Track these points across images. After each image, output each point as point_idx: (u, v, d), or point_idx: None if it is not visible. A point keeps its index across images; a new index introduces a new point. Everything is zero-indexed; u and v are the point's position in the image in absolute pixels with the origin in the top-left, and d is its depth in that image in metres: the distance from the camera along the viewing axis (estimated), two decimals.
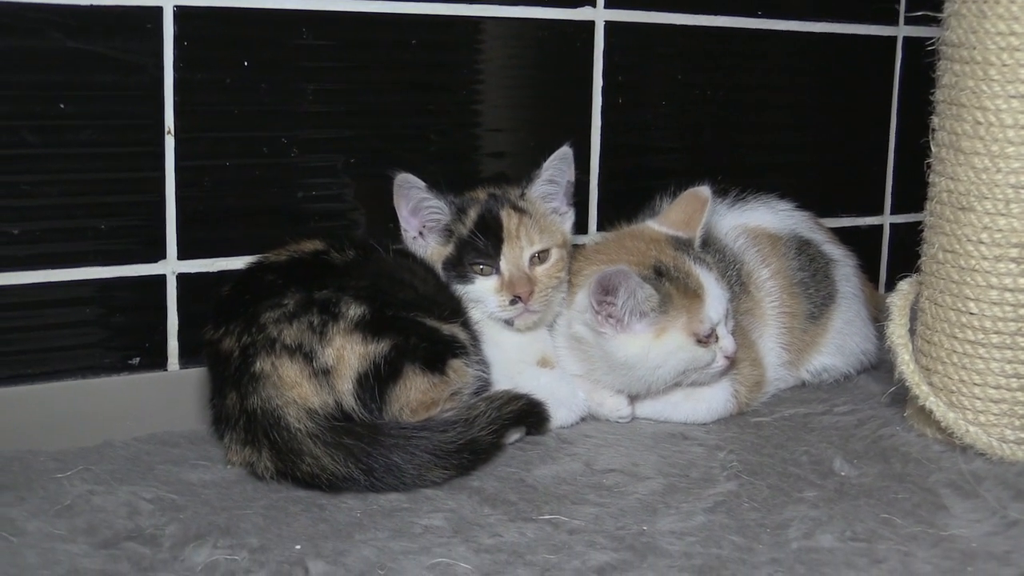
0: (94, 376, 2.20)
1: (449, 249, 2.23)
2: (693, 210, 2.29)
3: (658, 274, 2.16)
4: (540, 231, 2.24)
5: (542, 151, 2.38)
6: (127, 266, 2.19)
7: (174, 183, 2.20)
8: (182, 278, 2.23)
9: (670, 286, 2.14)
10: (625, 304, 2.10)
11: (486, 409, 2.04)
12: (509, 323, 2.23)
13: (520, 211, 2.24)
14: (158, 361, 2.24)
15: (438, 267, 2.23)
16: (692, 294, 2.15)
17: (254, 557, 1.72)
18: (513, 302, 2.20)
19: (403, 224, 2.24)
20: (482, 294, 2.21)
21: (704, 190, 2.30)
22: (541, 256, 2.23)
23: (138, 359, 2.23)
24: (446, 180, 2.26)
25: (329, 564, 1.70)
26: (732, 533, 1.82)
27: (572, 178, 2.31)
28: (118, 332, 2.21)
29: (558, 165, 2.28)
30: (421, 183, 2.20)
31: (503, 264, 2.20)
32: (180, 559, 1.71)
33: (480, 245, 2.20)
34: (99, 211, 2.16)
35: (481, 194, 2.29)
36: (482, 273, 2.21)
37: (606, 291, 2.10)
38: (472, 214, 2.23)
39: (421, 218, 2.24)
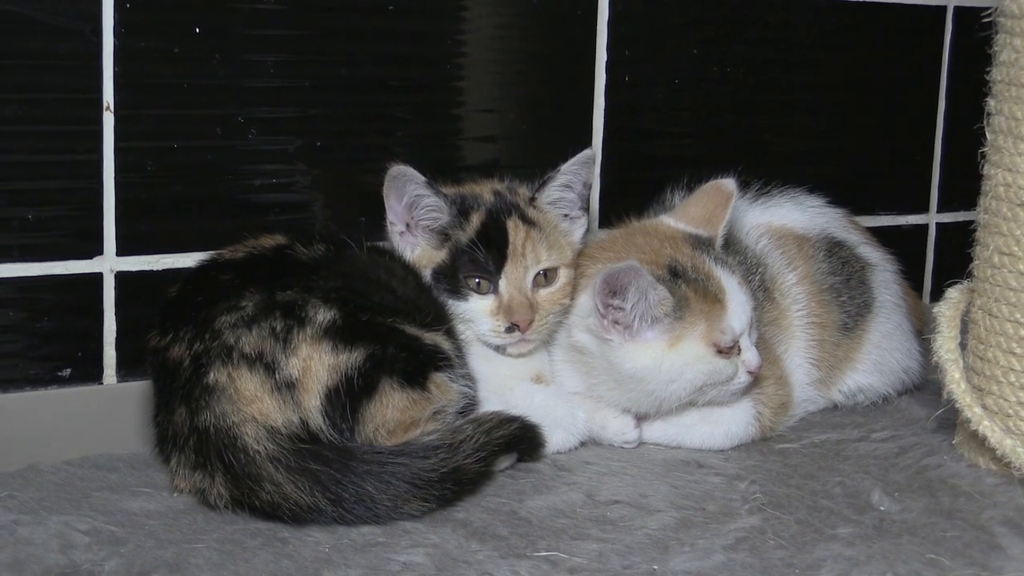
0: (17, 390, 2.23)
1: (442, 255, 2.26)
2: (716, 205, 2.33)
3: (674, 275, 2.20)
4: (549, 247, 2.27)
5: (536, 136, 2.42)
6: (57, 263, 2.23)
7: (113, 168, 2.23)
8: (121, 277, 2.27)
9: (687, 289, 2.18)
10: (635, 307, 2.14)
11: (473, 433, 2.08)
12: (500, 349, 2.28)
13: (529, 223, 2.27)
14: (93, 373, 2.28)
15: (426, 272, 2.26)
16: (712, 299, 2.19)
17: None
18: (509, 330, 2.24)
19: (390, 216, 2.27)
20: (475, 314, 2.25)
21: (729, 183, 2.34)
22: (548, 275, 2.27)
23: (69, 371, 2.26)
24: (426, 168, 2.28)
25: None
26: (756, 573, 1.86)
27: (591, 181, 2.34)
28: (46, 339, 2.24)
29: (577, 170, 2.31)
30: (420, 177, 2.23)
31: (503, 284, 2.24)
32: None
33: (480, 258, 2.23)
34: (25, 199, 2.19)
35: (485, 191, 2.32)
36: (478, 290, 2.24)
37: (613, 292, 2.14)
38: (475, 220, 2.26)
39: (414, 214, 2.26)
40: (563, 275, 2.28)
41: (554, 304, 2.27)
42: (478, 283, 2.24)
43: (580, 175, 2.32)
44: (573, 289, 2.29)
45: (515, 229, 2.26)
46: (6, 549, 1.86)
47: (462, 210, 2.27)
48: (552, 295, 2.27)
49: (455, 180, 2.38)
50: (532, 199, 2.31)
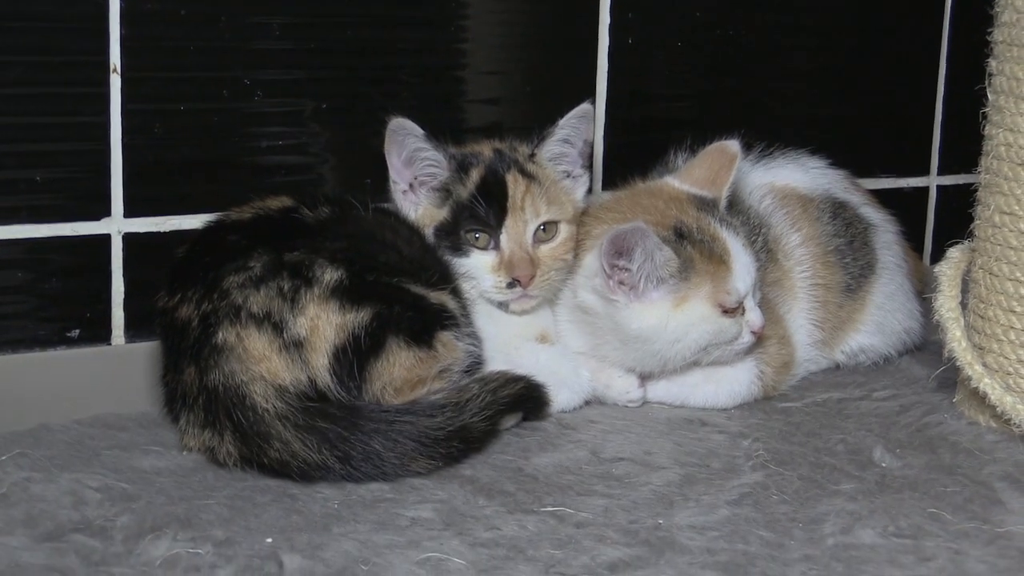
0: (27, 351, 2.25)
1: (444, 213, 2.27)
2: (720, 167, 2.35)
3: (679, 236, 2.22)
4: (548, 201, 2.28)
5: (539, 98, 2.44)
6: (65, 224, 2.24)
7: (120, 130, 2.25)
8: (129, 238, 2.29)
9: (692, 250, 2.20)
10: (641, 268, 2.16)
11: (479, 392, 2.10)
12: (503, 306, 2.29)
13: (528, 176, 2.29)
14: (101, 334, 2.30)
15: (428, 232, 2.27)
16: (717, 261, 2.21)
17: (220, 551, 1.77)
18: (511, 285, 2.26)
19: (393, 175, 2.29)
20: (477, 270, 2.27)
21: (733, 144, 2.36)
22: (548, 228, 2.28)
23: (78, 331, 2.28)
24: (430, 129, 2.29)
25: (306, 558, 1.76)
26: (760, 528, 1.89)
27: (590, 137, 2.35)
28: (55, 300, 2.26)
29: (575, 124, 2.33)
30: (419, 130, 2.25)
31: (504, 239, 2.26)
32: (135, 553, 1.77)
33: (480, 212, 2.25)
34: (33, 161, 2.21)
35: (485, 149, 2.33)
36: (479, 244, 2.26)
37: (619, 252, 2.15)
38: (474, 175, 2.28)
39: (414, 170, 2.28)
40: (564, 230, 2.30)
41: (555, 260, 2.28)
42: (478, 237, 2.26)
43: (579, 129, 2.33)
44: (575, 245, 2.31)
45: (514, 183, 2.27)
46: (20, 506, 1.88)
47: (462, 166, 2.29)
48: (553, 250, 2.28)
49: (458, 142, 2.38)
50: (532, 155, 2.33)
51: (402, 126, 2.24)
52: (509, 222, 2.26)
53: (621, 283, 2.19)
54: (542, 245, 2.28)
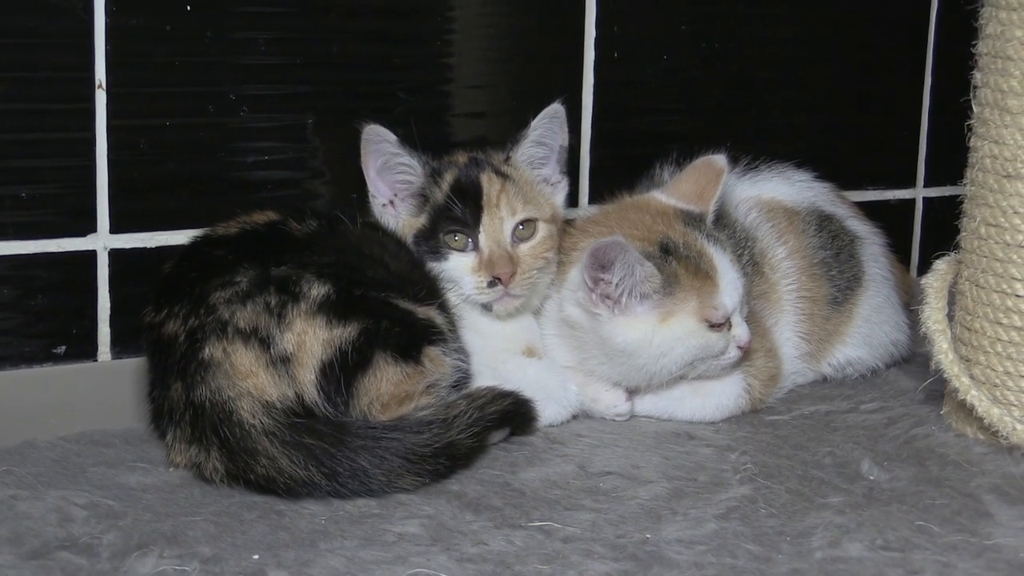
0: (12, 368, 2.25)
1: (422, 220, 2.28)
2: (707, 181, 2.35)
3: (665, 251, 2.21)
4: (525, 200, 2.29)
5: (526, 111, 2.43)
6: (51, 240, 2.24)
7: (106, 145, 2.25)
8: (115, 254, 2.28)
9: (678, 265, 2.20)
10: (622, 282, 2.16)
11: (467, 408, 2.10)
12: (487, 308, 2.29)
13: (503, 176, 2.30)
14: (87, 350, 2.29)
15: (409, 241, 2.28)
16: (704, 276, 2.21)
17: (206, 568, 1.77)
18: (492, 284, 2.25)
19: (371, 188, 2.30)
20: (457, 272, 2.26)
21: (720, 159, 2.36)
22: (526, 227, 2.28)
23: (64, 348, 2.28)
24: (416, 143, 2.30)
25: (292, 575, 1.75)
26: (748, 541, 1.89)
27: (565, 142, 2.36)
28: (40, 317, 2.26)
29: (548, 125, 2.34)
30: (392, 137, 2.26)
31: (482, 238, 2.26)
32: (122, 570, 1.76)
33: (457, 212, 2.25)
34: (19, 177, 2.21)
35: (461, 157, 2.34)
36: (457, 245, 2.26)
37: (601, 265, 2.15)
38: (448, 178, 2.29)
39: (391, 180, 2.29)
40: (543, 229, 2.30)
41: (536, 259, 2.28)
42: (456, 238, 2.26)
43: (552, 130, 2.34)
44: (556, 245, 2.32)
45: (489, 182, 2.28)
46: (5, 523, 1.88)
47: (436, 171, 2.30)
48: (533, 249, 2.28)
49: (441, 157, 2.38)
50: (507, 158, 2.35)
51: (376, 133, 2.26)
52: (486, 220, 2.26)
53: (605, 296, 2.19)
54: (521, 244, 2.28)
